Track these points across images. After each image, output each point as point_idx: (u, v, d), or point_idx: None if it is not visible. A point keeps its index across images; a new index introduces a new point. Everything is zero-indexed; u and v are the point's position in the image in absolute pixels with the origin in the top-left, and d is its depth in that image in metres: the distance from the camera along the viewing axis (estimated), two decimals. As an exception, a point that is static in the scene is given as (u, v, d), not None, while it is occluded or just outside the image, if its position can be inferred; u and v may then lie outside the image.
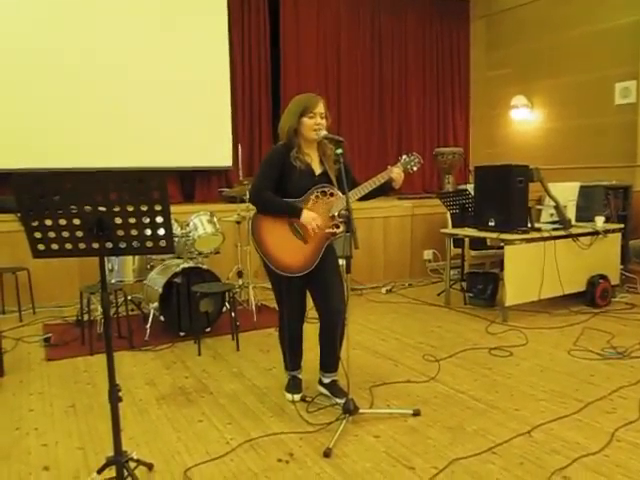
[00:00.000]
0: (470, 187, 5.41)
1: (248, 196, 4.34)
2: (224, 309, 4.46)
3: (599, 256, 5.05)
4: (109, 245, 2.07)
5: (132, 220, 2.03)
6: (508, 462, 2.43)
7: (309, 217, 2.84)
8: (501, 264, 4.79)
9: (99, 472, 2.21)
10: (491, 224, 4.76)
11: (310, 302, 3.07)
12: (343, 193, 2.80)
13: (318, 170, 2.97)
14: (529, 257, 4.64)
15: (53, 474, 2.40)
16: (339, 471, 2.39)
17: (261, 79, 6.82)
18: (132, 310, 4.61)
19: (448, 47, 8.20)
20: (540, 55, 7.29)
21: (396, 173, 2.92)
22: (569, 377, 3.39)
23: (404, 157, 3.01)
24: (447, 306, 5.20)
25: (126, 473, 2.15)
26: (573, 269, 4.88)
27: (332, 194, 2.91)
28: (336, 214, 2.88)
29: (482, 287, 5.13)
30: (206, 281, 4.28)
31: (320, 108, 2.87)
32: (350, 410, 2.76)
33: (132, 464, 2.24)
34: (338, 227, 2.88)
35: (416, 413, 2.89)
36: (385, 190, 2.99)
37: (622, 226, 5.38)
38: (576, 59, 6.87)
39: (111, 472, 2.17)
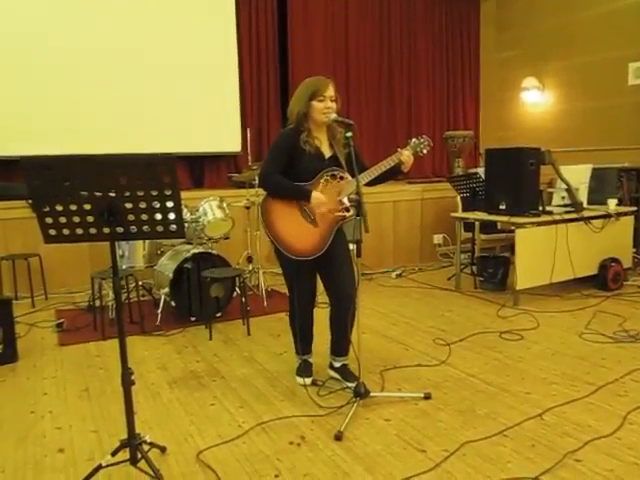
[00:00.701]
0: (481, 170, 5.36)
1: (257, 180, 4.34)
2: (234, 294, 4.48)
3: (611, 239, 5.00)
4: (120, 230, 2.07)
5: (142, 205, 2.04)
6: (519, 445, 2.43)
7: (317, 201, 2.83)
8: (512, 248, 4.77)
9: (113, 454, 2.23)
10: (502, 207, 4.72)
11: (321, 286, 3.08)
12: (353, 176, 2.78)
13: (327, 154, 2.95)
14: (540, 240, 4.61)
15: (68, 456, 2.43)
16: (350, 454, 2.40)
17: (269, 64, 6.77)
18: (143, 296, 4.64)
19: (458, 29, 8.10)
20: (551, 36, 7.17)
21: (406, 156, 2.89)
22: (580, 360, 3.38)
23: (413, 140, 2.98)
24: (457, 290, 5.19)
25: (140, 455, 2.18)
26: (585, 252, 4.84)
27: (342, 178, 2.89)
28: (345, 198, 2.86)
29: (493, 271, 5.11)
30: (216, 266, 4.29)
31: (330, 91, 2.84)
32: (361, 393, 2.77)
33: (145, 447, 2.26)
34: (348, 210, 2.86)
35: (427, 396, 2.90)
36: (394, 174, 2.96)
37: (635, 209, 5.32)
38: (588, 39, 6.76)
39: (125, 454, 2.20)
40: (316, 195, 2.83)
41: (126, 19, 5.78)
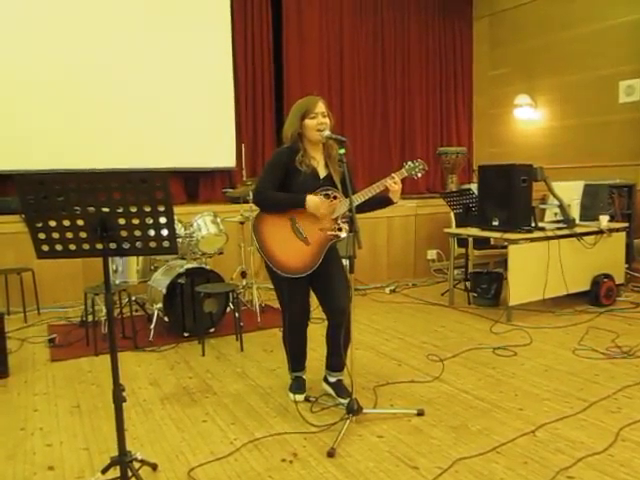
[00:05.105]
0: (474, 187, 5.40)
1: (252, 197, 4.35)
2: (228, 309, 4.46)
3: (603, 255, 5.03)
4: (112, 246, 2.08)
5: (135, 221, 2.04)
6: (512, 462, 2.42)
7: (314, 204, 2.82)
8: (505, 263, 4.78)
9: (103, 472, 2.22)
10: (495, 224, 4.75)
11: (315, 302, 3.08)
12: (347, 196, 2.80)
13: (323, 173, 2.97)
14: (533, 256, 4.63)
15: (58, 474, 2.40)
16: (343, 471, 2.39)
17: (264, 79, 6.82)
18: (136, 311, 4.62)
19: (451, 46, 8.19)
20: (544, 54, 7.27)
21: (390, 183, 2.88)
22: (573, 376, 3.38)
23: (409, 163, 3.00)
24: (451, 306, 5.19)
25: (130, 473, 2.16)
26: (577, 268, 4.87)
27: (335, 197, 2.91)
28: (339, 216, 2.88)
29: (486, 287, 5.12)
30: (210, 281, 4.29)
31: (320, 108, 2.87)
32: (354, 410, 2.76)
33: (136, 464, 2.24)
34: (340, 230, 2.88)
35: (420, 413, 2.89)
36: (385, 203, 3.00)
37: (626, 225, 5.37)
38: (580, 57, 6.85)
39: (115, 472, 2.18)
40: (311, 198, 2.82)
41: (122, 36, 5.82)
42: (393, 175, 2.91)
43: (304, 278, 2.90)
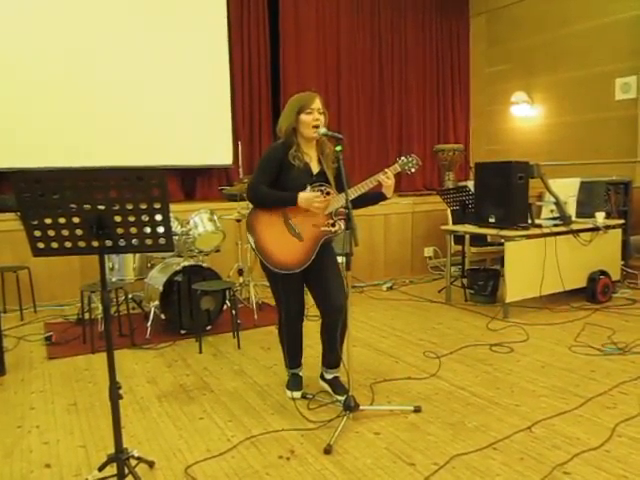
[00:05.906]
0: (470, 184, 5.41)
1: (245, 192, 4.35)
2: (225, 307, 4.46)
3: (600, 252, 5.05)
4: (109, 243, 2.07)
5: (131, 218, 2.04)
6: (508, 458, 2.43)
7: (306, 200, 2.81)
8: (502, 260, 4.79)
9: (100, 470, 2.22)
10: (491, 221, 4.76)
11: (310, 300, 3.08)
12: (341, 192, 2.80)
13: (316, 169, 2.96)
14: (530, 253, 4.64)
15: (55, 472, 2.40)
16: (340, 467, 2.39)
17: (261, 77, 6.81)
18: (133, 308, 4.62)
19: (448, 43, 8.19)
20: (540, 51, 7.28)
21: (383, 178, 2.86)
22: (570, 373, 3.39)
23: (402, 158, 2.98)
24: (448, 303, 5.20)
25: (127, 470, 2.16)
26: (574, 265, 4.88)
27: (328, 193, 2.90)
28: (333, 212, 2.87)
29: (483, 284, 5.13)
30: (207, 279, 4.28)
31: (317, 104, 2.87)
32: (351, 407, 2.76)
33: (133, 462, 2.24)
34: (334, 225, 2.87)
35: (417, 409, 2.90)
36: (378, 199, 2.99)
37: (623, 222, 5.38)
38: (576, 55, 6.86)
39: (112, 469, 2.18)
40: (302, 195, 2.81)
41: (118, 33, 5.80)
42: (386, 170, 2.89)
43: (299, 275, 2.91)
